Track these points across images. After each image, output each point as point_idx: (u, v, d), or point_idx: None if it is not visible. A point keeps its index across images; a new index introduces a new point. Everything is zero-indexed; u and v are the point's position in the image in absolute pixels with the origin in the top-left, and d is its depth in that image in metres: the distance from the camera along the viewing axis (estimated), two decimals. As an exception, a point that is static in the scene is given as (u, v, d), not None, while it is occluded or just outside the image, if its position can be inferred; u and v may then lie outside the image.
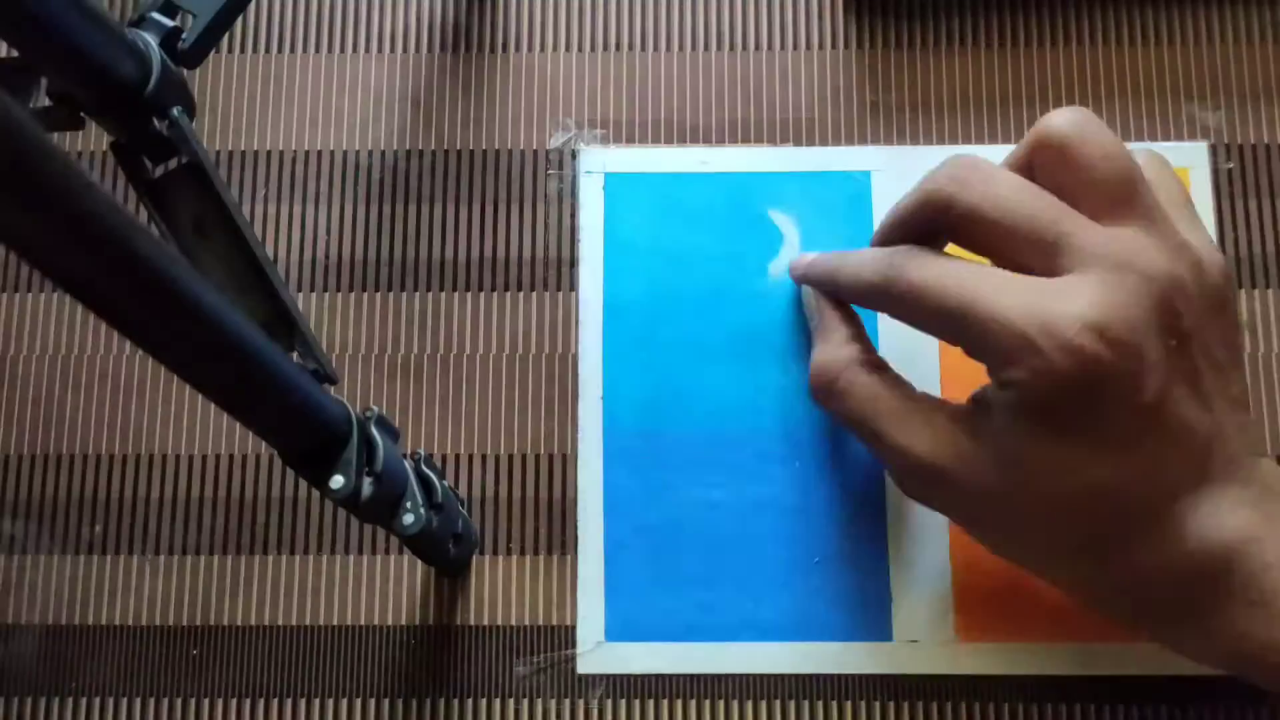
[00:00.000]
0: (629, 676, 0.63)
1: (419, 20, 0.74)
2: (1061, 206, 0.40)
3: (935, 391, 0.66)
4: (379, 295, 0.69)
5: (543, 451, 0.66)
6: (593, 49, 0.73)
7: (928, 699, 0.61)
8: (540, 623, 0.64)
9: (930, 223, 0.45)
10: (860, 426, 0.49)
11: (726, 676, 0.62)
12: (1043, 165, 0.43)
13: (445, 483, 0.56)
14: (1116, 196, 0.39)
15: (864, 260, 0.48)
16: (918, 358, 0.65)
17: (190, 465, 0.67)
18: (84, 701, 0.64)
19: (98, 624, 0.65)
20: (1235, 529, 0.38)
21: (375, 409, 0.49)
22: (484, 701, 0.63)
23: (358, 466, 0.46)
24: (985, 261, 0.44)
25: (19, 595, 0.65)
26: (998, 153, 0.69)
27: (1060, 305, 0.36)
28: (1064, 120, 0.41)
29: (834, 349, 0.46)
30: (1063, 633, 0.61)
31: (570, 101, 0.72)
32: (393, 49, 0.73)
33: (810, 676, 0.61)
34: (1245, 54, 0.71)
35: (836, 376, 0.45)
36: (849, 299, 0.54)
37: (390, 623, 0.64)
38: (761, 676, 0.62)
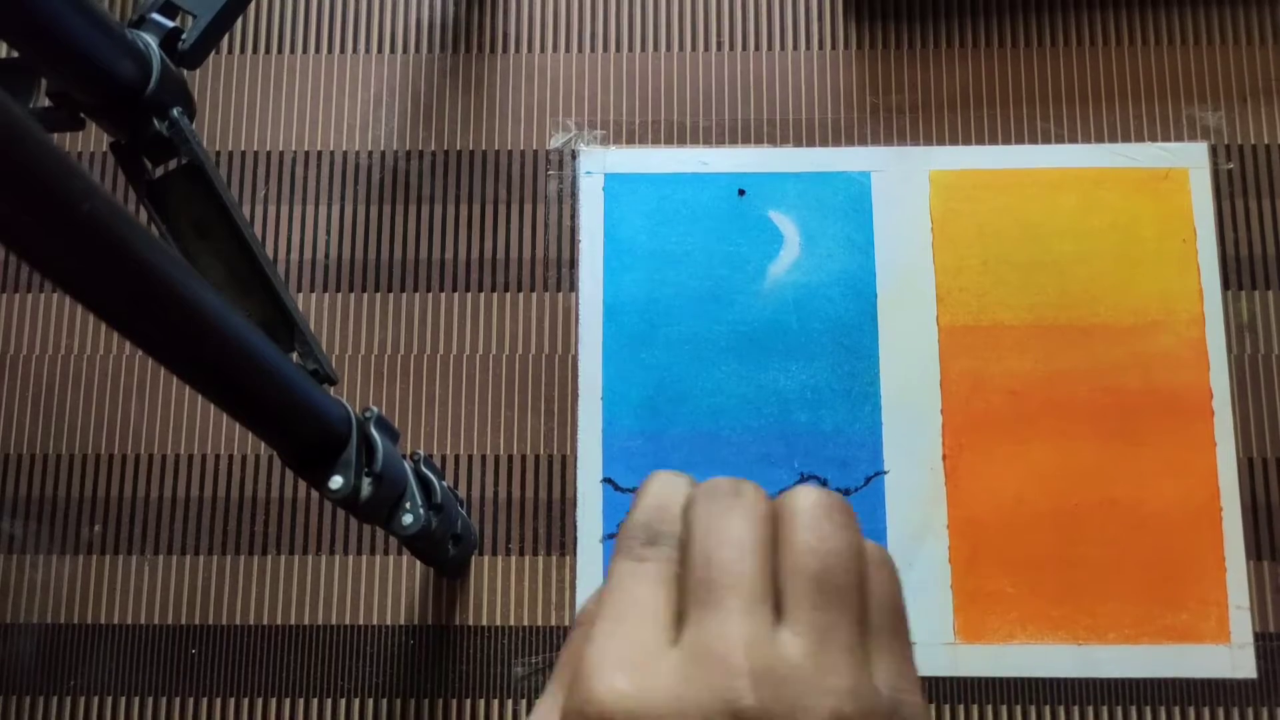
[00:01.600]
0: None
1: (419, 20, 0.74)
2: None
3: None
4: (379, 295, 0.69)
5: (543, 452, 0.66)
6: (593, 49, 0.73)
7: (927, 700, 0.61)
8: (540, 623, 0.64)
9: None
10: None
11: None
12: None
13: (445, 483, 0.56)
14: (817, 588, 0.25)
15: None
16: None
17: (190, 465, 0.67)
18: (83, 700, 0.64)
19: (97, 624, 0.65)
20: None
21: (375, 409, 0.49)
22: (483, 701, 0.63)
23: (357, 467, 0.46)
24: None
25: (19, 595, 0.65)
26: (997, 153, 0.70)
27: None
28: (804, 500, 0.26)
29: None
30: (1062, 634, 0.62)
31: (570, 101, 0.72)
32: (393, 49, 0.73)
33: (810, 677, 0.61)
34: (1245, 54, 0.71)
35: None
36: None
37: (390, 623, 0.64)
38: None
